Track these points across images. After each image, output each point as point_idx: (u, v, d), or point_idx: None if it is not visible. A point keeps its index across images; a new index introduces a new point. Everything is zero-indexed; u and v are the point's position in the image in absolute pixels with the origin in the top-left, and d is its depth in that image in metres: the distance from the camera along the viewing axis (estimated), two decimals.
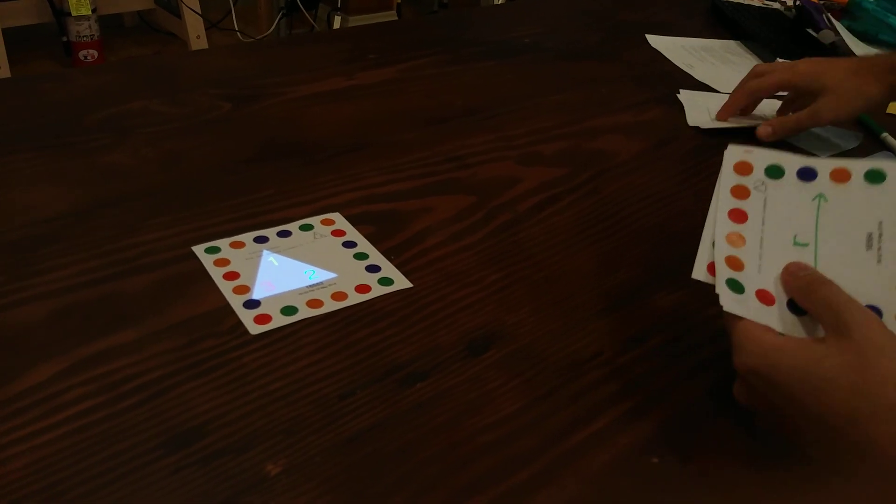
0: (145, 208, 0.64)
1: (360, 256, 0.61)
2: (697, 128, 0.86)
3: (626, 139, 0.83)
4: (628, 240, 0.66)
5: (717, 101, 0.92)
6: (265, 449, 0.44)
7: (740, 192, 0.50)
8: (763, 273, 0.47)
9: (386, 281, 0.59)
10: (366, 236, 0.63)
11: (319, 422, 0.46)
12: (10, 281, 0.54)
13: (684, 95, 0.95)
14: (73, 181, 0.67)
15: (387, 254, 0.61)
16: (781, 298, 0.46)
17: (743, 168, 0.51)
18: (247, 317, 0.53)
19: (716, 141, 0.84)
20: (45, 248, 0.58)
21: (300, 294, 0.56)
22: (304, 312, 0.54)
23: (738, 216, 0.49)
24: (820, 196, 0.48)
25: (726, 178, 0.51)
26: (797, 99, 0.85)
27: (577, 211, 0.69)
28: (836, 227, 0.47)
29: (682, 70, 1.04)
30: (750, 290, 0.46)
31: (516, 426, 0.47)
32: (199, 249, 0.60)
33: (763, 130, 0.83)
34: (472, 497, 0.42)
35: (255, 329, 0.52)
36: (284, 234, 0.62)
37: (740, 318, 0.45)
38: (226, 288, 0.56)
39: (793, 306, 0.46)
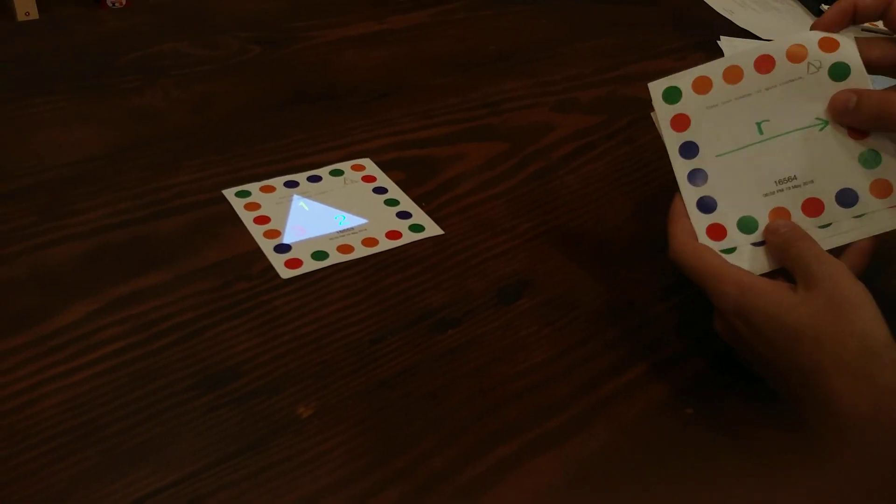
0: (176, 151, 0.63)
1: (391, 203, 0.60)
2: None
3: None
4: (664, 189, 0.64)
5: None
6: (297, 391, 0.44)
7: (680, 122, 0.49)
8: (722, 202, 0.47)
9: (417, 227, 0.58)
10: (397, 182, 0.62)
11: (350, 366, 0.46)
12: (44, 221, 0.55)
13: (725, 43, 0.92)
14: (105, 122, 0.67)
15: (418, 200, 0.60)
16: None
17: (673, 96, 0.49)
18: (277, 261, 0.53)
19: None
20: (78, 188, 0.58)
21: (331, 239, 0.56)
22: (335, 258, 0.54)
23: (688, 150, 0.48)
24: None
25: (662, 114, 0.49)
26: None
27: (612, 159, 0.68)
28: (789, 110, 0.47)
29: (722, 16, 1.00)
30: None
31: (548, 374, 0.47)
32: (229, 193, 0.59)
33: (840, 99, 0.46)
34: (503, 442, 0.42)
35: (285, 273, 0.52)
36: (315, 178, 0.62)
37: (712, 259, 0.45)
38: (256, 232, 0.56)
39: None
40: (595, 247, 0.58)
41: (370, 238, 0.56)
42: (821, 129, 0.46)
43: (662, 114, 0.49)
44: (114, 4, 2.52)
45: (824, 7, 1.02)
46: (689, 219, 0.48)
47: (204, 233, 0.55)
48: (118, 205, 0.57)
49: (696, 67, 0.49)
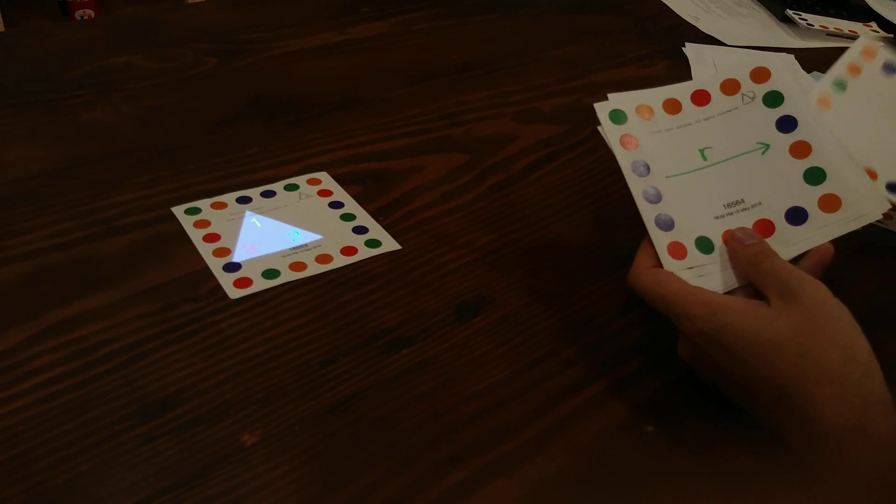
0: (124, 167, 0.61)
1: (347, 217, 0.59)
2: None
3: None
4: (626, 200, 0.63)
5: (723, 55, 0.89)
6: (241, 418, 0.42)
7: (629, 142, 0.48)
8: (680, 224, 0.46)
9: (373, 243, 0.56)
10: (353, 196, 0.60)
11: (299, 389, 0.44)
12: None
13: (690, 49, 0.91)
14: (51, 139, 0.64)
15: (375, 215, 0.59)
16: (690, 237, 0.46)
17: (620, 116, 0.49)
18: (226, 280, 0.51)
19: None
20: (18, 208, 0.56)
21: (283, 257, 0.54)
22: (287, 276, 0.52)
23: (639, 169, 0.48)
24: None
25: (610, 132, 0.48)
26: None
27: (574, 170, 0.67)
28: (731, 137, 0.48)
29: (688, 22, 1.00)
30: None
31: (504, 395, 0.45)
32: (178, 210, 0.57)
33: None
34: (456, 468, 0.40)
35: (234, 293, 0.50)
36: (268, 194, 0.60)
37: (675, 284, 0.44)
38: (205, 250, 0.54)
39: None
40: (555, 261, 0.56)
41: (324, 254, 0.55)
42: (763, 153, 0.47)
43: (612, 132, 0.48)
44: (82, 17, 2.49)
45: (789, 12, 1.01)
46: (651, 248, 0.46)
47: (150, 253, 0.53)
48: (60, 225, 0.55)
49: (638, 93, 0.49)
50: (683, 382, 0.46)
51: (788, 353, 0.39)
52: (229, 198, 0.59)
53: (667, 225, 0.46)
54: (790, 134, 0.47)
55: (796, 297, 0.40)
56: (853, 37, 0.99)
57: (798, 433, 0.38)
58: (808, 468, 0.39)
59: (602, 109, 0.49)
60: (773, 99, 0.48)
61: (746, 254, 0.45)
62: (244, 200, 0.59)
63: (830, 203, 0.45)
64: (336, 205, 0.60)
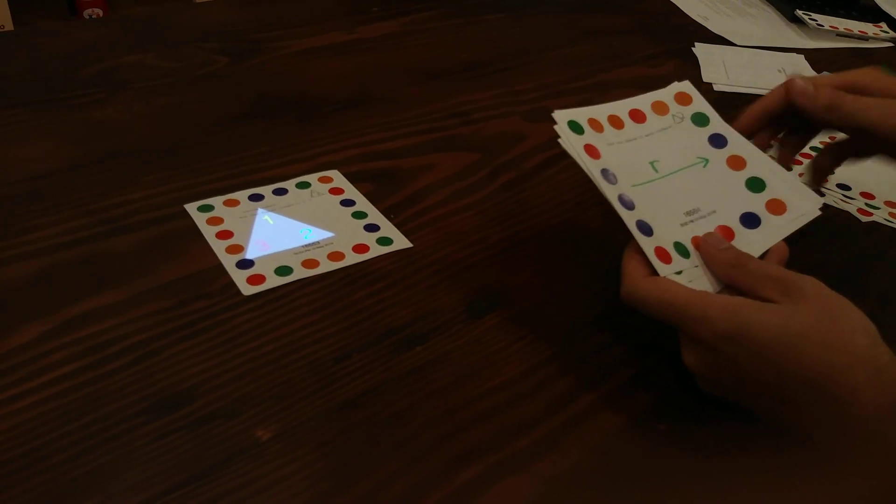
0: (137, 165, 0.62)
1: (359, 215, 0.59)
2: (713, 84, 0.83)
3: (638, 94, 0.79)
4: None
5: (733, 56, 0.89)
6: (256, 414, 0.42)
7: (592, 151, 0.49)
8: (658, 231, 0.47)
9: (385, 240, 0.56)
10: (365, 194, 0.61)
11: (313, 386, 0.44)
12: None
13: (700, 49, 0.91)
14: (63, 137, 0.65)
15: (386, 212, 0.59)
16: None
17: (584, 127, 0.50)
18: (240, 277, 0.51)
19: (733, 97, 0.80)
20: (32, 205, 0.56)
21: (295, 254, 0.54)
22: (300, 273, 0.52)
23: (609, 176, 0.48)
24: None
25: (573, 142, 0.48)
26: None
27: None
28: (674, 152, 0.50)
29: (697, 22, 1.00)
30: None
31: (517, 391, 0.45)
32: (191, 207, 0.57)
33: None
34: (470, 464, 0.41)
35: (247, 290, 0.51)
36: (280, 191, 0.60)
37: (682, 289, 0.43)
38: (218, 247, 0.54)
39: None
40: (567, 258, 0.56)
41: (336, 252, 0.55)
42: (704, 167, 0.49)
43: (574, 141, 0.48)
44: (91, 16, 2.49)
45: (799, 13, 1.01)
46: (641, 257, 0.45)
47: (163, 249, 0.53)
48: (73, 222, 0.55)
49: (584, 109, 0.50)
50: (695, 382, 0.46)
51: (815, 346, 0.39)
52: (242, 195, 0.59)
53: (648, 230, 0.46)
54: (724, 149, 0.50)
55: (800, 291, 0.41)
56: (863, 37, 0.99)
57: (829, 423, 0.39)
58: (833, 457, 0.39)
59: (562, 119, 0.49)
60: (700, 120, 0.51)
61: (726, 258, 0.45)
62: (256, 198, 0.59)
63: (776, 207, 0.48)
64: (347, 203, 0.60)
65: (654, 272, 0.45)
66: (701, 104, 0.52)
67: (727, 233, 0.48)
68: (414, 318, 0.50)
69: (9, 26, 2.34)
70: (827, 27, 1.00)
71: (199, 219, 0.56)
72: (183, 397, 0.43)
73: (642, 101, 0.52)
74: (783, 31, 1.01)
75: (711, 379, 0.43)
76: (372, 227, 0.58)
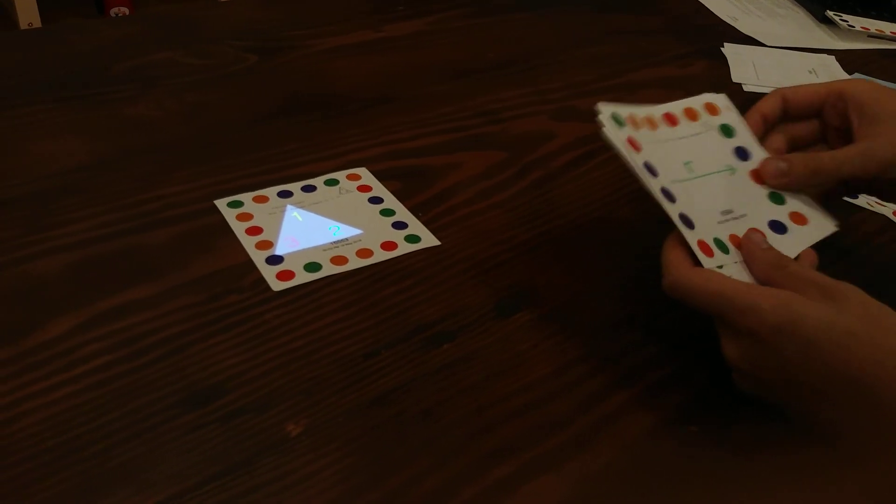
0: (168, 161, 0.62)
1: (387, 213, 0.59)
2: (742, 85, 0.82)
3: (667, 94, 0.78)
4: None
5: (762, 56, 0.88)
6: (286, 408, 0.42)
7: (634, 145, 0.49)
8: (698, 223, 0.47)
9: (413, 238, 0.56)
10: (392, 192, 0.61)
11: (342, 382, 0.44)
12: (30, 233, 0.53)
13: (729, 49, 0.90)
14: (96, 132, 0.65)
15: (414, 210, 0.59)
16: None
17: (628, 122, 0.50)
18: (269, 273, 0.52)
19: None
20: (65, 199, 0.57)
21: (324, 250, 0.54)
22: (328, 269, 0.53)
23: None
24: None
25: (617, 134, 0.48)
26: (831, 130, 0.53)
27: (613, 168, 0.66)
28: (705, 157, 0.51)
29: (726, 23, 0.99)
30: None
31: (547, 390, 0.45)
32: (221, 203, 0.58)
33: (771, 167, 0.50)
34: (500, 462, 0.41)
35: (277, 286, 0.51)
36: (309, 188, 0.60)
37: (729, 280, 0.43)
38: (248, 243, 0.54)
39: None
40: (596, 258, 0.56)
41: (365, 249, 0.55)
42: (731, 174, 0.50)
43: (617, 134, 0.48)
44: (116, 14, 2.52)
45: (829, 13, 1.00)
46: (683, 248, 0.45)
47: (193, 244, 0.54)
48: (106, 216, 0.55)
49: (626, 107, 0.51)
50: (727, 381, 0.46)
51: (863, 343, 0.39)
52: (271, 192, 0.60)
53: (690, 224, 0.46)
54: (748, 162, 0.51)
55: (841, 293, 0.40)
56: (895, 38, 0.98)
57: (869, 423, 0.39)
58: (867, 454, 0.39)
59: (606, 111, 0.49)
60: (727, 131, 0.52)
61: (768, 257, 0.44)
62: (285, 194, 0.59)
63: (799, 218, 0.49)
64: (375, 200, 0.60)
65: (696, 263, 0.45)
66: (730, 117, 0.52)
67: (760, 234, 0.48)
68: (443, 315, 0.50)
69: (37, 24, 2.37)
70: (858, 28, 0.98)
71: (229, 215, 0.57)
72: (214, 391, 0.43)
73: (677, 106, 0.53)
74: (813, 31, 1.00)
75: (751, 373, 0.42)
76: (400, 225, 0.58)
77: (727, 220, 0.48)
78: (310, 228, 0.56)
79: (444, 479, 0.39)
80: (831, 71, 0.88)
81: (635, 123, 0.50)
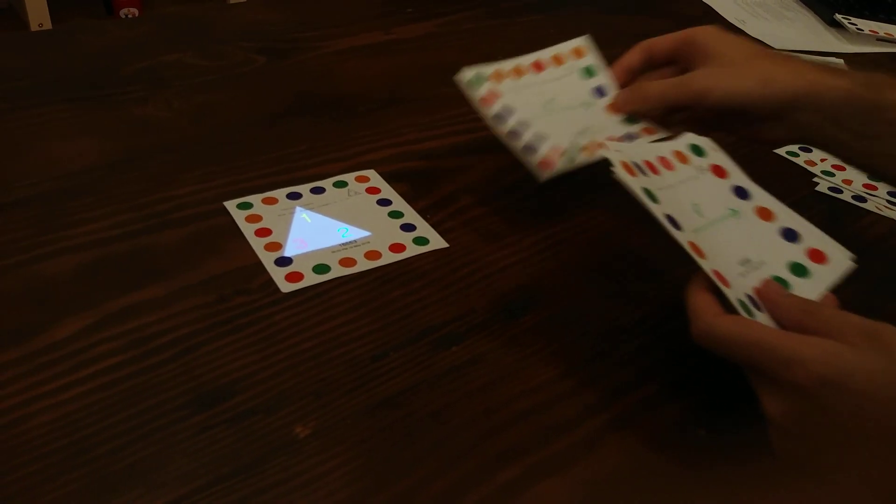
0: (178, 162, 0.62)
1: (395, 215, 0.59)
2: None
3: None
4: None
5: None
6: (295, 410, 0.43)
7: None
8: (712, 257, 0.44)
9: (421, 240, 0.57)
10: (401, 194, 0.61)
11: (351, 383, 0.45)
12: (41, 233, 0.53)
13: None
14: (107, 133, 0.66)
15: (422, 212, 0.59)
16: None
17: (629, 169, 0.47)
18: (278, 274, 0.52)
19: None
20: (76, 200, 0.57)
21: (333, 252, 0.54)
22: (337, 271, 0.53)
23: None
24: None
25: (633, 185, 0.46)
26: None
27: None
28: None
29: (734, 26, 0.99)
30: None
31: (554, 393, 0.45)
32: (231, 205, 0.58)
33: (616, 98, 0.58)
34: (508, 465, 0.41)
35: (286, 287, 0.51)
36: (318, 190, 0.61)
37: (766, 328, 0.40)
38: (257, 244, 0.54)
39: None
40: (604, 261, 0.56)
41: (373, 251, 0.55)
42: (736, 218, 0.48)
43: (633, 184, 0.46)
44: (126, 15, 2.53)
45: (838, 17, 1.00)
46: (711, 293, 0.42)
47: (203, 245, 0.54)
48: (117, 217, 0.56)
49: (628, 150, 0.48)
50: (736, 384, 0.46)
51: None
52: (280, 193, 0.60)
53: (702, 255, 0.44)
54: (749, 201, 0.49)
55: (881, 337, 0.37)
56: None
57: None
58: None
59: (615, 159, 0.46)
60: (719, 172, 0.50)
61: (794, 303, 0.42)
62: (294, 196, 0.60)
63: (818, 256, 0.47)
64: (384, 202, 0.60)
65: (725, 310, 0.42)
66: (718, 157, 0.51)
67: (782, 283, 0.45)
68: (451, 317, 0.50)
69: (47, 24, 2.38)
70: (867, 31, 0.98)
71: (239, 216, 0.57)
72: (223, 392, 0.43)
73: (668, 148, 0.50)
74: (822, 34, 0.99)
75: (795, 432, 0.38)
76: (408, 227, 0.58)
77: (747, 272, 0.45)
78: (318, 230, 0.56)
79: (452, 483, 0.39)
80: None
81: (630, 171, 0.47)
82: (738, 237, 0.47)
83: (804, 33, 0.99)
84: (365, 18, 0.92)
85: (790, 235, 0.48)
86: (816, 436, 0.38)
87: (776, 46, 0.93)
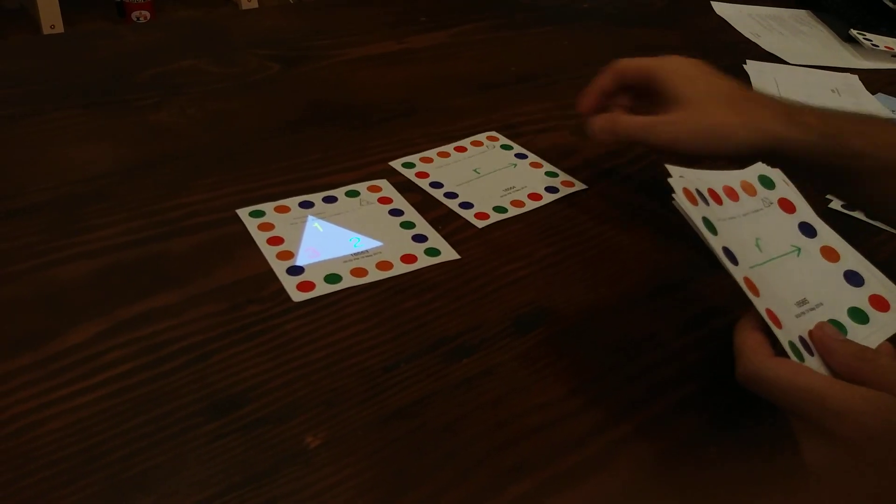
0: (191, 169, 0.63)
1: (407, 225, 0.59)
2: None
3: None
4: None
5: (786, 74, 0.88)
6: (306, 420, 0.43)
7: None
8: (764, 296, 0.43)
9: (433, 251, 0.57)
10: (413, 205, 0.61)
11: (362, 394, 0.45)
12: (54, 238, 0.54)
13: (751, 66, 0.90)
14: (120, 139, 0.66)
15: (434, 223, 0.59)
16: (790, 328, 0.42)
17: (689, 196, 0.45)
18: (290, 283, 0.52)
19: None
20: (90, 206, 0.57)
21: (344, 262, 0.54)
22: (348, 281, 0.53)
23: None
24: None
25: (694, 215, 0.44)
26: (651, 103, 0.58)
27: (634, 185, 0.66)
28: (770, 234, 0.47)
29: (749, 39, 0.99)
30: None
31: (566, 408, 0.45)
32: (243, 213, 0.58)
33: (593, 124, 0.59)
34: (519, 479, 0.41)
35: (298, 296, 0.51)
36: (330, 199, 0.61)
37: (819, 376, 0.39)
38: (269, 253, 0.55)
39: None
40: (615, 276, 0.56)
41: (385, 261, 0.55)
42: (798, 256, 0.46)
43: (694, 213, 0.44)
44: (138, 19, 2.54)
45: (853, 32, 1.00)
46: (761, 333, 0.41)
47: (216, 253, 0.54)
48: (130, 223, 0.56)
49: (683, 180, 0.46)
50: (746, 402, 0.46)
51: None
52: (292, 202, 0.60)
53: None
54: (815, 239, 0.47)
55: None
56: None
57: None
58: None
59: (677, 185, 0.45)
60: (786, 206, 0.48)
61: (849, 350, 0.40)
62: (307, 205, 0.60)
63: (880, 303, 0.45)
64: (396, 212, 0.60)
65: (775, 352, 0.41)
66: (786, 190, 0.49)
67: (839, 326, 0.44)
68: (462, 329, 0.50)
69: (59, 27, 2.39)
70: (882, 48, 0.98)
71: (251, 224, 0.57)
72: (235, 401, 0.43)
73: (734, 177, 0.48)
74: (837, 50, 0.99)
75: (843, 482, 0.37)
76: (420, 238, 0.58)
77: (803, 314, 0.44)
78: (330, 239, 0.57)
79: (464, 496, 0.39)
80: (855, 90, 0.87)
81: (692, 198, 0.45)
82: (799, 276, 0.45)
83: (819, 48, 0.99)
84: (378, 28, 0.92)
85: (854, 279, 0.46)
86: (861, 487, 0.37)
87: (791, 62, 0.93)
